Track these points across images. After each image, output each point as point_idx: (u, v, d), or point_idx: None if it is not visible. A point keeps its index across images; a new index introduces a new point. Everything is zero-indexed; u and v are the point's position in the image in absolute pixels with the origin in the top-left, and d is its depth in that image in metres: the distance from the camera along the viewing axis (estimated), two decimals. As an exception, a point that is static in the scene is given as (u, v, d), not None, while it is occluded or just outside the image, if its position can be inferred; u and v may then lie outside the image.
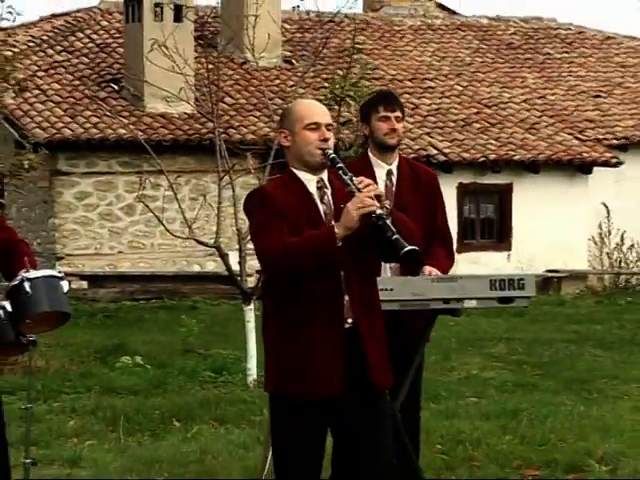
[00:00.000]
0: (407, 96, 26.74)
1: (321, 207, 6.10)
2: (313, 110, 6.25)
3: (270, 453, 7.91)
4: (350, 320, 5.99)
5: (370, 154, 7.84)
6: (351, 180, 5.99)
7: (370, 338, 6.02)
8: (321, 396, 5.99)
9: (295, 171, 6.18)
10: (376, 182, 7.37)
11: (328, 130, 6.15)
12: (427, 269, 7.31)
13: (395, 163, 7.84)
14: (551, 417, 10.59)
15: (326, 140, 6.09)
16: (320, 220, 6.03)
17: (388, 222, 5.88)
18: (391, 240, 5.85)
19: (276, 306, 6.20)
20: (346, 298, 6.00)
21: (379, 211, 5.88)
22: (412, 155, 23.52)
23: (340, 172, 6.04)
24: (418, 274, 7.22)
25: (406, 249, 5.82)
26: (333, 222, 5.96)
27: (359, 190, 5.93)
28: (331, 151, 6.09)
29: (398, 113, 7.83)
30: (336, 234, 5.87)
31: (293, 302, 6.08)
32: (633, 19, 71.09)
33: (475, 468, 8.56)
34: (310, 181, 6.13)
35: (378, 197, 5.95)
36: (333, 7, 17.64)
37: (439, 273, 7.46)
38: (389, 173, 7.76)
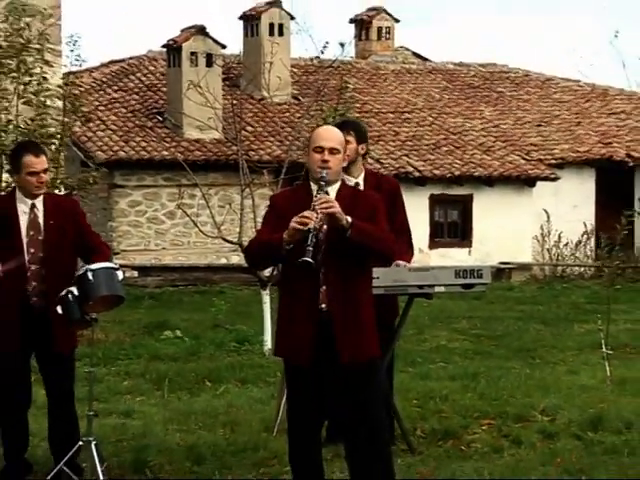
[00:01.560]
0: (390, 125, 26.81)
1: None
2: (321, 136, 6.09)
3: (282, 406, 8.00)
4: (324, 305, 5.94)
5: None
6: (315, 197, 5.90)
7: (340, 321, 5.95)
8: (294, 362, 6.03)
9: (310, 182, 6.10)
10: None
11: (332, 153, 6.00)
12: (396, 262, 7.20)
13: (362, 176, 7.73)
14: (503, 378, 10.55)
15: (325, 162, 5.97)
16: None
17: (310, 236, 5.76)
18: (307, 248, 5.77)
19: (279, 292, 6.28)
20: (323, 288, 5.94)
21: (310, 226, 5.77)
22: (393, 172, 23.53)
23: (320, 190, 5.95)
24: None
25: (300, 259, 5.74)
26: (325, 226, 5.91)
27: (313, 207, 5.85)
28: (324, 173, 5.96)
29: (347, 137, 7.42)
30: (283, 239, 5.85)
31: (286, 290, 6.12)
32: (567, 62, 71.43)
33: (443, 418, 8.54)
34: (315, 190, 6.02)
35: (332, 215, 5.85)
36: (332, 54, 17.60)
37: (406, 264, 7.43)
38: (356, 184, 7.59)
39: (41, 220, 7.03)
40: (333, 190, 6.03)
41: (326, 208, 5.83)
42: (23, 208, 7.01)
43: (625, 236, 20.55)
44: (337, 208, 5.87)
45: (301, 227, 5.78)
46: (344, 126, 7.79)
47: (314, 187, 6.04)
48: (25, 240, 6.98)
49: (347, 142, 7.60)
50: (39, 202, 7.05)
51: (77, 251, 7.11)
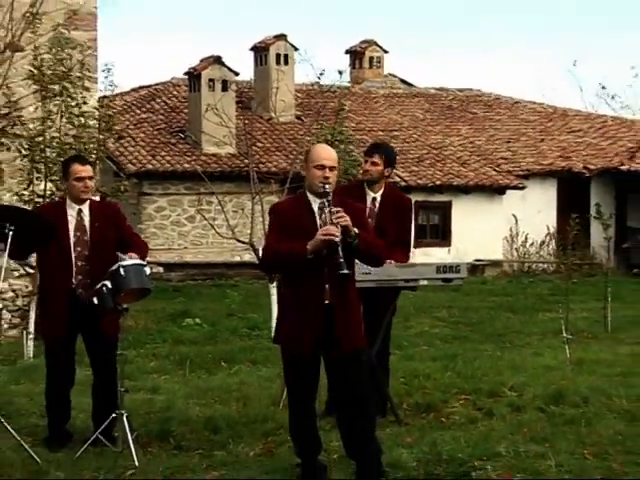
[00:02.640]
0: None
1: (318, 221, 6.01)
2: (322, 155, 6.08)
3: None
4: (327, 301, 5.94)
5: (365, 185, 7.75)
6: (330, 211, 5.91)
7: (341, 316, 5.96)
8: (297, 351, 6.01)
9: (307, 193, 6.10)
10: (366, 204, 7.44)
11: (331, 170, 6.01)
12: (388, 261, 7.16)
13: (380, 192, 7.70)
14: (477, 359, 10.56)
15: (326, 178, 5.99)
16: (314, 230, 5.94)
17: (340, 251, 5.80)
18: (339, 262, 5.80)
19: (284, 288, 6.25)
20: (327, 287, 5.94)
21: (336, 239, 5.80)
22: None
23: (326, 204, 5.96)
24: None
25: (341, 272, 5.80)
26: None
27: (331, 220, 5.86)
28: (328, 187, 5.97)
29: (375, 159, 7.66)
30: (307, 249, 5.85)
31: (292, 286, 6.10)
32: (533, 87, 71.50)
33: (426, 394, 8.54)
34: (314, 202, 6.05)
35: (345, 226, 5.87)
36: (330, 80, 17.66)
37: (392, 261, 7.36)
38: (373, 199, 7.65)
39: (87, 223, 7.09)
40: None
41: (342, 220, 5.85)
42: (71, 212, 7.09)
43: (583, 237, 20.52)
44: (349, 221, 5.89)
45: (330, 239, 5.80)
46: (375, 149, 7.85)
47: (311, 197, 6.06)
48: (72, 240, 7.04)
49: (374, 164, 7.64)
50: (85, 207, 7.13)
51: (119, 248, 7.10)
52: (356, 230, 5.92)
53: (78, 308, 6.95)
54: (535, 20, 62.86)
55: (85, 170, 7.11)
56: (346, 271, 5.83)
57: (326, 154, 6.11)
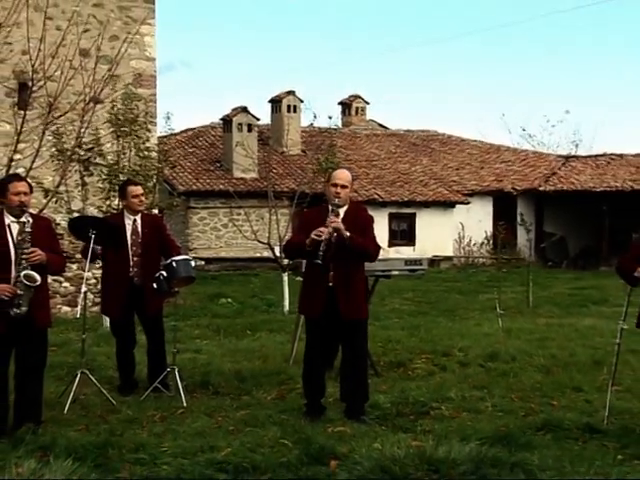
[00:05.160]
0: (363, 169, 26.69)
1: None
2: (337, 176, 6.02)
3: (294, 347, 7.97)
4: (331, 283, 5.90)
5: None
6: (328, 217, 5.88)
7: (342, 294, 5.90)
8: (310, 317, 6.01)
9: (329, 205, 6.01)
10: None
11: (343, 187, 5.95)
12: None
13: (345, 208, 7.67)
14: (435, 329, 10.59)
15: (337, 193, 5.96)
16: None
17: (322, 245, 5.74)
18: (318, 253, 5.75)
19: (304, 273, 6.23)
20: (331, 273, 5.90)
21: (321, 238, 5.74)
22: (366, 199, 23.61)
23: (332, 212, 5.92)
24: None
25: (315, 261, 5.76)
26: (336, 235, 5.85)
27: (326, 224, 5.83)
28: (337, 200, 5.92)
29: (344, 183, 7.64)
30: (306, 244, 5.82)
31: (307, 273, 6.09)
32: (475, 128, 71.97)
33: (397, 354, 8.55)
34: (331, 211, 5.97)
35: (337, 229, 5.83)
36: (327, 124, 17.86)
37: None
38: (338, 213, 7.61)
39: (139, 229, 7.10)
40: (343, 210, 6.01)
41: (334, 225, 5.84)
42: (128, 221, 7.10)
43: (511, 239, 20.38)
44: (341, 225, 5.86)
45: (317, 237, 5.78)
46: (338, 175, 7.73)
47: (330, 208, 6.02)
48: (130, 242, 7.04)
49: (342, 187, 7.51)
50: (138, 218, 7.14)
51: (161, 249, 7.12)
52: (347, 233, 5.86)
53: (133, 291, 6.94)
54: (476, 81, 63.29)
55: (138, 190, 7.13)
56: (318, 261, 5.77)
57: (340, 175, 6.07)
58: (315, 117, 16.01)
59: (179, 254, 7.07)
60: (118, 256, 6.95)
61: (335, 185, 5.98)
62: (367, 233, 6.43)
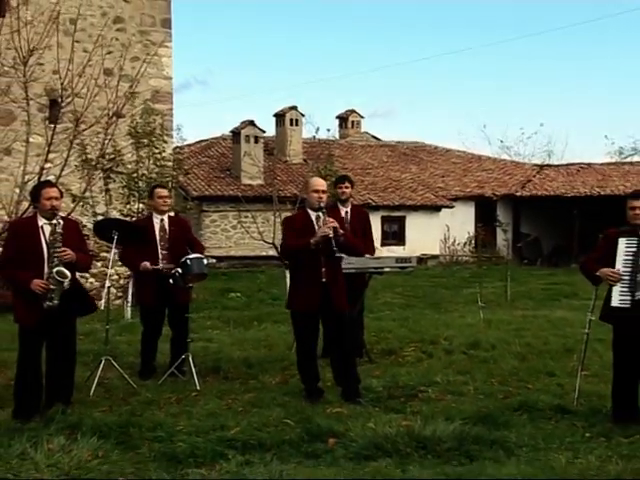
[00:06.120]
0: (359, 177, 26.59)
1: (316, 226, 5.99)
2: (318, 184, 6.10)
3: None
4: (324, 279, 5.91)
5: (338, 203, 7.73)
6: (324, 218, 5.93)
7: (334, 288, 5.93)
8: (307, 312, 5.96)
9: (308, 209, 6.09)
10: (341, 217, 7.39)
11: (324, 193, 6.04)
12: (367, 256, 7.19)
13: (349, 208, 7.66)
14: (422, 320, 10.58)
15: (321, 198, 6.01)
16: (313, 232, 5.93)
17: (333, 241, 5.82)
18: (333, 249, 5.83)
19: (295, 271, 6.20)
20: (323, 269, 5.91)
21: (330, 235, 5.82)
22: (361, 202, 23.56)
23: (321, 214, 5.98)
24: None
25: (337, 255, 5.86)
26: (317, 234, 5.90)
27: (325, 224, 5.89)
28: (323, 204, 6.01)
29: (346, 184, 7.64)
30: (310, 243, 5.85)
31: (300, 269, 6.04)
32: (459, 139, 71.85)
33: (389, 342, 8.55)
34: (313, 214, 6.04)
35: (335, 228, 5.88)
36: (326, 136, 17.93)
37: (368, 256, 7.34)
38: (346, 213, 7.59)
39: (167, 227, 7.13)
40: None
41: (333, 224, 5.89)
42: (155, 220, 7.14)
43: (491, 239, 20.38)
44: (337, 225, 5.93)
45: (328, 234, 5.83)
46: (344, 178, 7.81)
47: (311, 212, 6.06)
48: (158, 238, 7.07)
49: (347, 187, 7.60)
50: (165, 217, 7.18)
51: (187, 246, 7.14)
52: (341, 231, 5.93)
53: (163, 283, 6.93)
54: (459, 96, 63.31)
55: (164, 192, 7.24)
56: (340, 254, 5.87)
57: (320, 183, 6.17)
58: (317, 130, 16.09)
59: (202, 251, 7.12)
60: (148, 251, 6.98)
61: (317, 191, 6.04)
62: (367, 230, 6.39)
